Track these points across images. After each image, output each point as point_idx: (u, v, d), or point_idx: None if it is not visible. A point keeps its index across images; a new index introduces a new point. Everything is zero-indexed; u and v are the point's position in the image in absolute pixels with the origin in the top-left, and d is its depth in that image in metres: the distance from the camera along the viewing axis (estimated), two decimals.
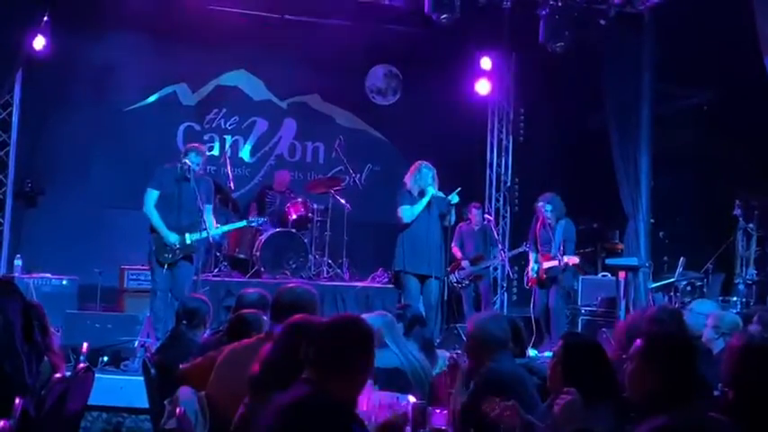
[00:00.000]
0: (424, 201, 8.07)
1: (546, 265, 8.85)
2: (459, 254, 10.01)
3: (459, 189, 8.31)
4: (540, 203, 8.97)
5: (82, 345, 6.03)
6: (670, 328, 4.00)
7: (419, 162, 8.35)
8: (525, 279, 9.32)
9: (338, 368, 2.92)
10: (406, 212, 8.10)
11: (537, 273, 8.94)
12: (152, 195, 7.56)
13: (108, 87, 10.89)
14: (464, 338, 6.26)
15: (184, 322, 5.33)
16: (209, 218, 7.78)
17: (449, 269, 9.91)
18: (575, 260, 8.90)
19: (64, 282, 8.93)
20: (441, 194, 8.22)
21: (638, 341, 3.07)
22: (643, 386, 2.96)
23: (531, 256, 9.09)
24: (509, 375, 3.97)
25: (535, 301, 9.03)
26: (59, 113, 10.62)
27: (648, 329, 3.45)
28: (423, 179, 8.15)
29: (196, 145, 8.09)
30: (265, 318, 4.51)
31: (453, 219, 8.54)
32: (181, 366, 4.47)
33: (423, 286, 8.15)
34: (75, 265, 9.42)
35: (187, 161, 7.56)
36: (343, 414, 2.87)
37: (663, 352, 2.98)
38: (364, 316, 4.92)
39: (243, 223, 8.60)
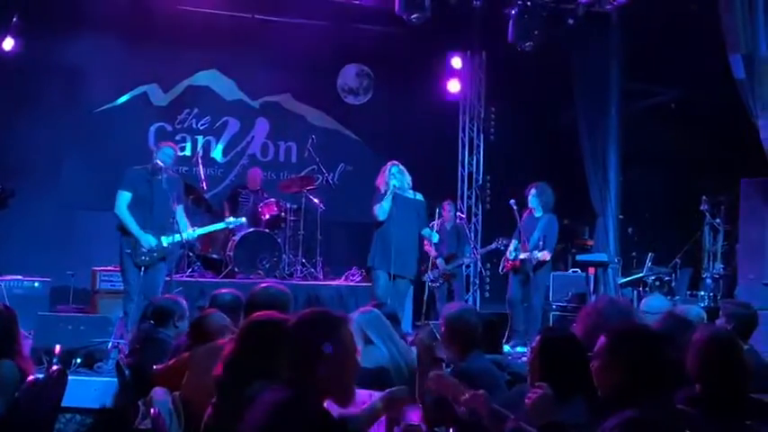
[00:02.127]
0: (389, 194, 8.13)
1: (522, 256, 8.81)
2: (433, 252, 10.04)
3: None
4: (526, 192, 8.94)
5: (54, 347, 5.99)
6: (633, 320, 4.02)
7: (385, 165, 8.41)
8: (501, 265, 9.18)
9: (306, 364, 2.88)
10: (378, 210, 8.17)
11: (515, 257, 8.83)
12: (124, 197, 7.46)
13: (79, 88, 10.80)
14: (437, 336, 6.29)
15: (152, 322, 5.32)
16: (182, 218, 7.72)
17: (423, 268, 9.97)
18: (546, 256, 8.75)
19: (36, 284, 8.85)
20: (419, 196, 8.28)
21: (602, 338, 3.10)
22: (610, 382, 3.00)
23: (512, 243, 8.95)
24: (480, 373, 4.00)
25: (511, 286, 8.91)
26: (30, 115, 10.51)
27: (611, 325, 3.48)
28: (389, 177, 8.23)
29: (167, 143, 8.04)
30: (228, 321, 4.54)
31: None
32: (154, 368, 4.46)
33: (392, 284, 8.19)
34: (47, 266, 9.35)
35: (158, 161, 7.50)
36: (316, 418, 2.82)
37: (627, 347, 3.02)
38: (353, 315, 4.97)
39: (222, 225, 8.49)
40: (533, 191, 8.84)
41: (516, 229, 9.04)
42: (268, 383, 3.08)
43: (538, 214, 8.87)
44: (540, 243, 8.70)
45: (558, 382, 3.30)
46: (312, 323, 2.95)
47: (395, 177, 8.17)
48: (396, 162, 8.33)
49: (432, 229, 9.63)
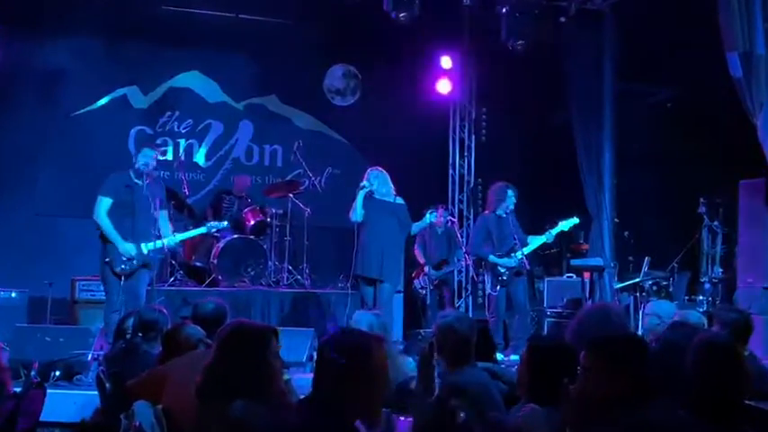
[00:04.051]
0: (360, 195, 8.15)
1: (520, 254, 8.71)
2: (421, 258, 10.05)
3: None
4: (502, 192, 8.84)
5: (33, 359, 5.98)
6: (623, 327, 4.05)
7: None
8: (491, 284, 9.08)
9: (335, 384, 2.88)
10: (351, 212, 8.26)
11: (518, 261, 8.69)
12: (104, 203, 7.43)
13: (55, 91, 10.77)
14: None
15: (140, 335, 5.31)
16: (166, 224, 7.71)
17: (413, 275, 9.99)
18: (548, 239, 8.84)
19: (13, 294, 8.82)
20: (399, 200, 8.30)
21: (582, 353, 3.13)
22: (593, 390, 3.02)
23: (493, 258, 8.81)
24: (472, 386, 3.99)
25: (498, 300, 8.87)
26: (5, 119, 10.49)
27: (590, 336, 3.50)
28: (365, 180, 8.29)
29: (147, 145, 8.03)
30: (203, 334, 4.58)
31: (413, 226, 8.58)
32: (128, 383, 4.46)
33: (375, 289, 8.20)
34: (24, 276, 9.33)
35: (139, 165, 7.48)
36: None
37: (606, 355, 3.05)
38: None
39: (203, 230, 8.46)
40: (512, 191, 8.82)
41: (482, 239, 8.98)
42: (249, 403, 3.07)
43: (502, 213, 8.85)
44: (518, 243, 8.71)
45: (547, 391, 3.33)
46: (344, 343, 2.96)
47: (368, 180, 8.21)
48: (376, 168, 8.38)
49: (422, 233, 9.67)
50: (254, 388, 3.13)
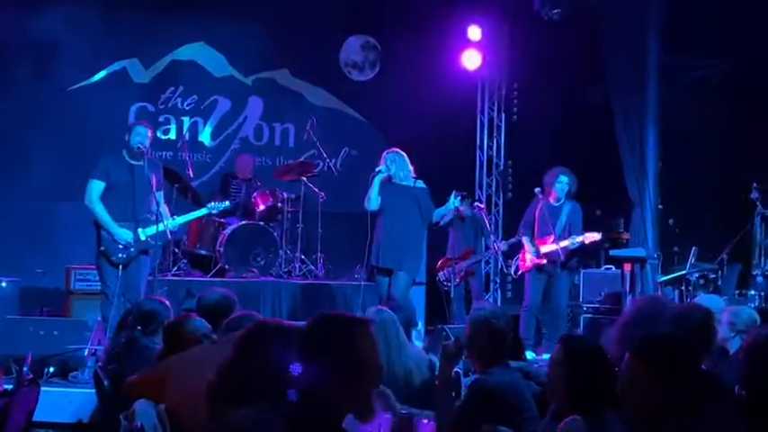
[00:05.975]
0: (376, 182, 8.14)
1: (545, 249, 8.76)
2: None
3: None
4: (553, 176, 8.88)
5: (25, 354, 6.03)
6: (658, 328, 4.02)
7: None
8: (515, 267, 9.14)
9: (317, 376, 2.87)
10: (366, 200, 8.22)
11: (537, 255, 8.79)
12: (96, 187, 7.42)
13: (49, 64, 10.81)
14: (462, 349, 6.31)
15: (140, 328, 5.33)
16: (163, 206, 7.73)
17: (437, 266, 9.96)
18: (594, 237, 8.73)
19: (3, 284, 8.87)
20: (419, 183, 8.26)
21: (626, 356, 3.10)
22: (640, 397, 3.00)
23: (526, 240, 8.94)
24: (503, 389, 3.98)
25: (531, 291, 8.87)
26: None
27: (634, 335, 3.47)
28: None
29: (138, 122, 8.04)
30: (209, 329, 4.58)
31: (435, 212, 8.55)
32: (128, 379, 4.47)
33: (390, 279, 8.19)
34: (16, 264, 9.39)
35: (137, 146, 7.47)
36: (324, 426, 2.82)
37: (653, 357, 3.03)
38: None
39: (204, 211, 8.47)
40: (564, 177, 8.81)
41: (528, 221, 9.02)
42: (255, 410, 3.05)
43: (558, 202, 8.85)
44: (566, 233, 8.70)
45: (586, 396, 3.31)
46: (324, 330, 2.90)
47: (385, 164, 8.19)
48: (394, 149, 8.35)
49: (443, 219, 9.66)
50: (275, 395, 3.09)
